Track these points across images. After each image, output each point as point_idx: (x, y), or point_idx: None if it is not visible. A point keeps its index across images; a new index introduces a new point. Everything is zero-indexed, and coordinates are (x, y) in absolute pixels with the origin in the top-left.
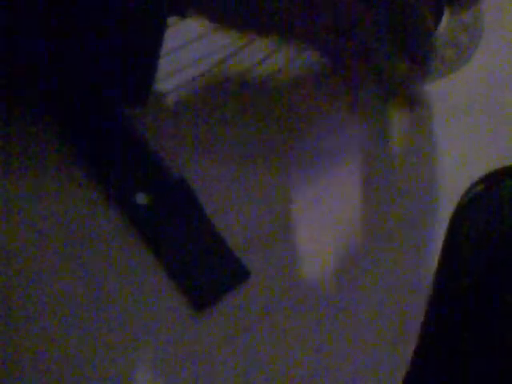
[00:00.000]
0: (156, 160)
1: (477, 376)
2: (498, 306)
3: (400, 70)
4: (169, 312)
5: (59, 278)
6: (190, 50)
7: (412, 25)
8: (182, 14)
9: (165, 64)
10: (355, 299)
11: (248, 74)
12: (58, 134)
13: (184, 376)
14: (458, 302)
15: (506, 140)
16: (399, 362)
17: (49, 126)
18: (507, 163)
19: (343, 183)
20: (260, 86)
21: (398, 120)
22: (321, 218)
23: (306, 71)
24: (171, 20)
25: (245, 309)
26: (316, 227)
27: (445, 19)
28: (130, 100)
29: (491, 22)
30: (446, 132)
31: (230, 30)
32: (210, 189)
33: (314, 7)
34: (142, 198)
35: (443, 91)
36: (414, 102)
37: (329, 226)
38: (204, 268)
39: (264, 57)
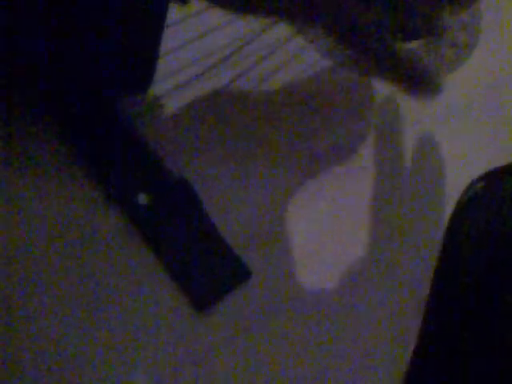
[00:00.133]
0: (156, 160)
1: (477, 376)
2: (498, 305)
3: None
4: (169, 312)
5: (59, 278)
6: (189, 50)
7: (414, 25)
8: (183, 1)
9: (164, 64)
10: (355, 299)
11: (248, 73)
12: (57, 134)
13: (184, 376)
14: (458, 301)
15: (506, 140)
16: (399, 362)
17: (49, 126)
18: (507, 162)
19: (343, 183)
20: (260, 86)
21: (398, 120)
22: (321, 218)
23: (306, 71)
24: (171, 21)
25: (245, 309)
26: (316, 227)
27: (444, 19)
28: (130, 99)
29: (490, 22)
30: (445, 132)
31: (227, 10)
32: (210, 189)
33: (314, 7)
34: (142, 198)
35: (443, 91)
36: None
37: (329, 225)
38: (205, 268)
39: (264, 56)
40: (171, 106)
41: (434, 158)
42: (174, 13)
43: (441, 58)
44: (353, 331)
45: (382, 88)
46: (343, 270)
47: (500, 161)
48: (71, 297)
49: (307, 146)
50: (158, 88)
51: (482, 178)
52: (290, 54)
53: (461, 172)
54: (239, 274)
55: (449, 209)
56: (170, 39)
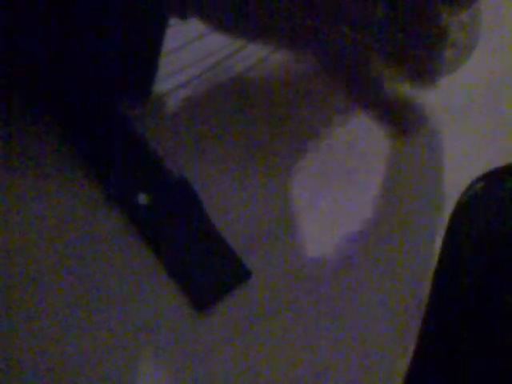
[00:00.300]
0: (156, 160)
1: (477, 376)
2: (498, 305)
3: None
4: (169, 312)
5: (59, 278)
6: (189, 50)
7: (415, 24)
8: (183, 16)
9: (165, 64)
10: (355, 299)
11: (248, 73)
12: (57, 134)
13: (184, 376)
14: (458, 301)
15: (506, 140)
16: (399, 362)
17: (49, 126)
18: (507, 162)
19: (343, 183)
20: (260, 86)
21: (398, 120)
22: (321, 218)
23: (307, 71)
24: (172, 21)
25: (245, 309)
26: (316, 227)
27: (443, 19)
28: (131, 100)
29: (490, 22)
30: (445, 132)
31: (229, 32)
32: (210, 189)
33: (314, 7)
34: (142, 198)
35: (443, 91)
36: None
37: (329, 225)
38: (205, 268)
39: (264, 56)
40: (171, 105)
41: (434, 157)
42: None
43: (441, 59)
44: (353, 331)
45: (383, 87)
46: (343, 269)
47: (500, 161)
48: (71, 297)
49: (307, 146)
50: (158, 88)
51: (481, 178)
52: (289, 54)
53: (461, 172)
54: (239, 273)
55: (449, 209)
56: (170, 39)
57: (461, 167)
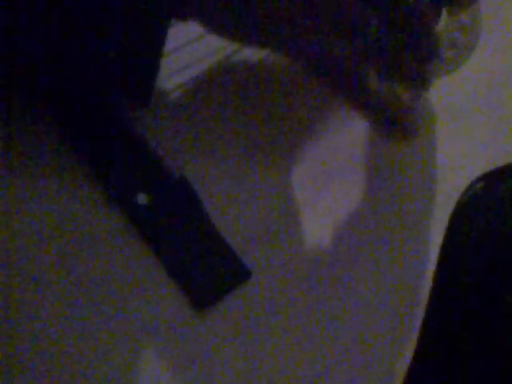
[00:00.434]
0: (156, 160)
1: (477, 376)
2: (498, 305)
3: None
4: (169, 312)
5: (59, 277)
6: (190, 50)
7: (413, 25)
8: (183, 17)
9: (165, 64)
10: (355, 299)
11: (248, 73)
12: (57, 134)
13: (184, 376)
14: (458, 301)
15: (506, 140)
16: (399, 362)
17: (49, 126)
18: (507, 162)
19: (343, 182)
20: (260, 85)
21: (398, 120)
22: (321, 218)
23: (307, 70)
24: (172, 21)
25: (245, 308)
26: (316, 226)
27: (443, 19)
28: (132, 101)
29: (490, 22)
30: (445, 132)
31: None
32: (210, 189)
33: (314, 7)
34: (142, 198)
35: (443, 91)
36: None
37: (329, 225)
38: (204, 268)
39: (264, 56)
40: (171, 105)
41: (434, 157)
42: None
43: (441, 59)
44: (353, 331)
45: (382, 87)
46: (343, 269)
47: (500, 161)
48: (71, 297)
49: (307, 146)
50: (158, 88)
51: (481, 178)
52: (289, 55)
53: (461, 172)
54: (239, 273)
55: (449, 209)
56: (170, 39)
57: (461, 167)
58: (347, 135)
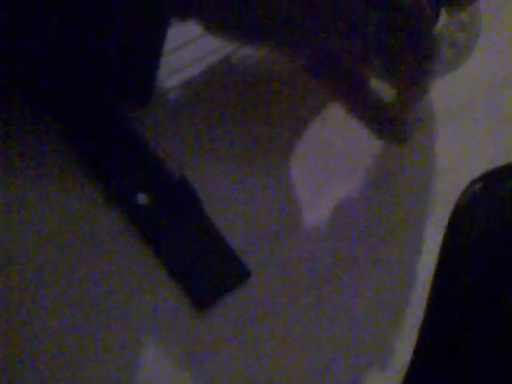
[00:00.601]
0: (156, 160)
1: (477, 376)
2: (499, 305)
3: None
4: (169, 312)
5: (59, 278)
6: (190, 50)
7: (412, 25)
8: (183, 17)
9: (165, 64)
10: (355, 299)
11: (248, 73)
12: (57, 134)
13: (184, 376)
14: (458, 301)
15: (506, 140)
16: (399, 362)
17: (49, 126)
18: (507, 162)
19: (343, 183)
20: (260, 85)
21: (398, 120)
22: (321, 218)
23: (306, 71)
24: (172, 21)
25: (245, 308)
26: (316, 227)
27: (443, 19)
28: (131, 101)
29: (491, 22)
30: (445, 132)
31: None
32: (210, 189)
33: (314, 7)
34: (142, 198)
35: (443, 91)
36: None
37: (329, 225)
38: (204, 268)
39: (264, 55)
40: (171, 105)
41: (434, 157)
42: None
43: (440, 59)
44: (353, 331)
45: (382, 88)
46: (343, 269)
47: (500, 161)
48: (71, 297)
49: (307, 146)
50: (158, 87)
51: (481, 178)
52: (289, 54)
53: (461, 172)
54: (239, 273)
55: (449, 209)
56: (170, 39)
57: (461, 167)
58: (347, 135)
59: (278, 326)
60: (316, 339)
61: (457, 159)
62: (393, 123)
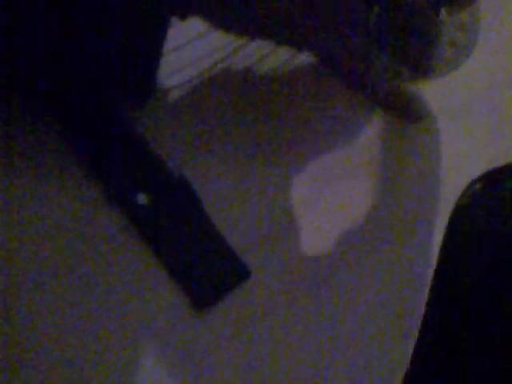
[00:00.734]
0: (156, 160)
1: (477, 376)
2: (499, 305)
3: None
4: (169, 311)
5: (59, 278)
6: (190, 50)
7: (413, 24)
8: (183, 16)
9: (165, 63)
10: (355, 299)
11: (248, 73)
12: (58, 134)
13: (184, 375)
14: (458, 301)
15: (506, 140)
16: (399, 362)
17: (49, 126)
18: (507, 162)
19: (344, 182)
20: (260, 85)
21: (398, 120)
22: (321, 218)
23: (307, 70)
24: (172, 21)
25: (245, 308)
26: (316, 227)
27: (443, 19)
28: (131, 101)
29: (491, 22)
30: (445, 132)
31: (228, 32)
32: (211, 188)
33: (314, 7)
34: (142, 198)
35: (443, 91)
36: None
37: (329, 225)
38: (204, 267)
39: (264, 56)
40: (171, 105)
41: (434, 157)
42: None
43: (440, 58)
44: (353, 331)
45: (382, 87)
46: (343, 269)
47: (500, 161)
48: (71, 297)
49: (307, 146)
50: (158, 87)
51: (481, 178)
52: (290, 53)
53: (461, 172)
54: (239, 273)
55: (449, 209)
56: (170, 39)
57: (461, 167)
58: (347, 135)
59: (278, 326)
60: (316, 339)
61: (457, 159)
62: (395, 120)
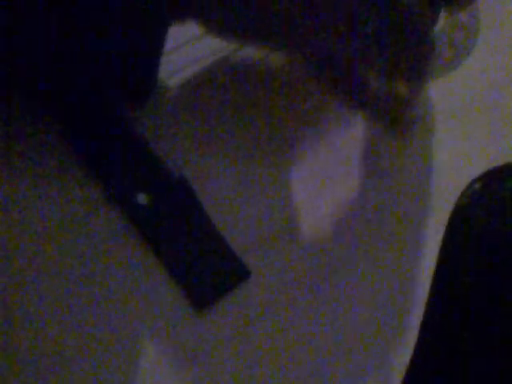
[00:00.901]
0: (156, 160)
1: (477, 376)
2: (499, 305)
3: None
4: (169, 311)
5: (59, 277)
6: (189, 50)
7: (411, 25)
8: (182, 18)
9: (165, 64)
10: (355, 299)
11: (248, 73)
12: (58, 134)
13: (184, 376)
14: (458, 301)
15: (506, 140)
16: (399, 362)
17: (49, 126)
18: (507, 162)
19: (343, 182)
20: (260, 85)
21: (398, 120)
22: (321, 218)
23: (307, 70)
24: (171, 21)
25: (245, 308)
26: (316, 227)
27: (442, 19)
28: (131, 101)
29: (490, 22)
30: (445, 132)
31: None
32: (210, 188)
33: (314, 7)
34: (142, 198)
35: (443, 91)
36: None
37: (329, 225)
38: (204, 267)
39: (264, 55)
40: (171, 105)
41: (434, 157)
42: None
43: (440, 58)
44: (353, 331)
45: (382, 87)
46: (343, 269)
47: (500, 161)
48: (71, 297)
49: (307, 146)
50: (158, 87)
51: (481, 178)
52: (290, 54)
53: (461, 172)
54: (239, 273)
55: (449, 209)
56: (170, 39)
57: (461, 167)
58: (347, 135)
59: (278, 326)
60: (316, 339)
61: (457, 159)
62: (392, 122)
